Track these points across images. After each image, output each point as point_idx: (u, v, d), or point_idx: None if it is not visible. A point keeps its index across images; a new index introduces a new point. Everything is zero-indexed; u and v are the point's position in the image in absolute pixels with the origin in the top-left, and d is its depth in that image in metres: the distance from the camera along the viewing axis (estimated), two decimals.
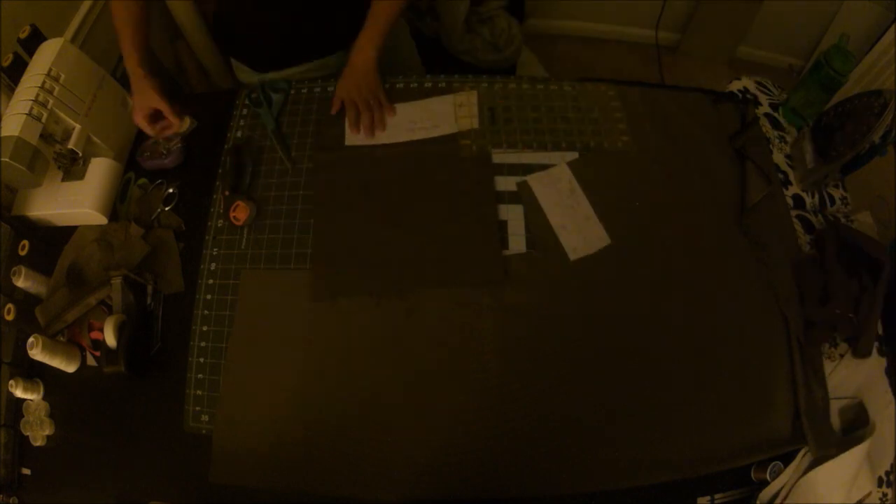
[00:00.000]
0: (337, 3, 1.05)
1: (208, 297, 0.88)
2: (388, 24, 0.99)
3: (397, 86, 1.05)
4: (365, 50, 0.99)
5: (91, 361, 0.87)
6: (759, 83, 1.13)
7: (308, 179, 0.96)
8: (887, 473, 0.80)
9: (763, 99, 1.11)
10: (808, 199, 1.00)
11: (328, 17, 1.05)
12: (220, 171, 0.98)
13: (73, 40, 1.16)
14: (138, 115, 0.97)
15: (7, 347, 0.89)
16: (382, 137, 0.99)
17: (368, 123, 0.98)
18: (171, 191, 0.96)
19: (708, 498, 0.80)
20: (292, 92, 1.06)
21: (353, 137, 0.99)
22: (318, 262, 0.89)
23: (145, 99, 0.96)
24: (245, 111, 1.05)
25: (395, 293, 0.86)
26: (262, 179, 0.97)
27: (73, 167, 0.92)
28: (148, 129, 0.98)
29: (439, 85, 1.04)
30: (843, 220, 0.97)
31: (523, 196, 0.93)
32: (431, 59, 1.36)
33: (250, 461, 0.80)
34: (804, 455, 0.80)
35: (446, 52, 1.76)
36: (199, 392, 0.83)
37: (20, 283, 0.87)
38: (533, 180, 0.94)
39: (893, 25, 1.48)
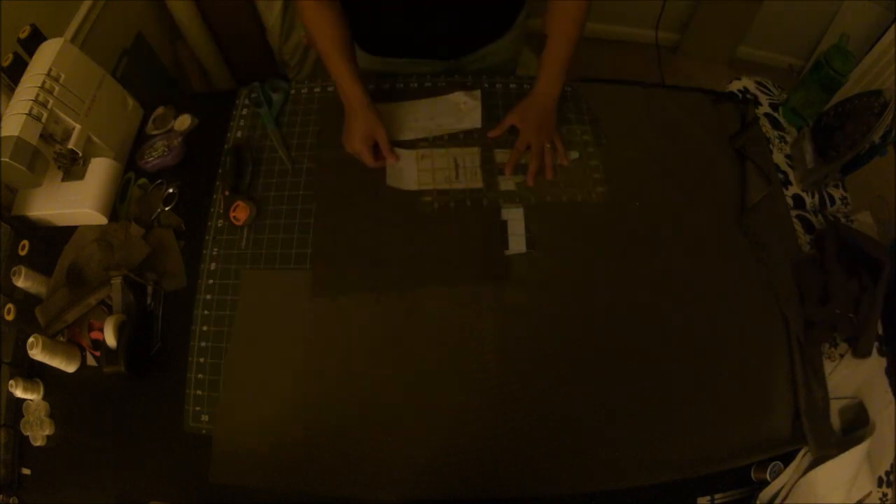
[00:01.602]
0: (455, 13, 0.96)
1: (208, 297, 0.88)
2: (571, 55, 0.93)
3: (397, 86, 1.05)
4: (553, 89, 0.93)
5: (91, 361, 0.87)
6: (759, 83, 1.13)
7: (308, 179, 0.96)
8: (887, 473, 0.80)
9: (763, 99, 1.11)
10: (808, 199, 1.00)
11: (449, 22, 0.97)
12: (220, 171, 0.98)
13: (73, 40, 1.16)
14: (363, 146, 0.91)
15: (7, 347, 0.89)
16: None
17: (535, 169, 0.93)
18: (171, 191, 0.96)
19: (708, 498, 0.80)
20: (292, 92, 1.06)
21: (416, 135, 0.98)
22: (319, 259, 0.89)
23: (370, 128, 0.91)
24: (245, 111, 1.05)
25: (395, 292, 0.86)
26: (262, 179, 0.97)
27: (73, 167, 0.92)
28: (370, 160, 0.93)
29: (439, 84, 1.04)
30: (843, 220, 0.97)
31: (523, 196, 0.93)
32: None
33: (250, 461, 0.80)
34: (804, 455, 0.80)
35: None
36: (199, 392, 0.83)
37: (20, 283, 0.87)
38: None
39: (893, 25, 1.48)
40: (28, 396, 0.85)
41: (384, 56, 1.07)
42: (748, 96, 1.10)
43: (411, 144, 0.98)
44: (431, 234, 0.90)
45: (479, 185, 0.94)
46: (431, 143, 0.98)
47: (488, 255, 0.88)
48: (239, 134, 1.02)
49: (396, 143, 0.97)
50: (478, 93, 1.02)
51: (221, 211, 0.94)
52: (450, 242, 0.89)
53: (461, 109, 1.00)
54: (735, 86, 1.13)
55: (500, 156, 0.96)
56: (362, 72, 0.93)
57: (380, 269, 0.88)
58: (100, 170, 0.95)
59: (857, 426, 0.83)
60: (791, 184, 1.01)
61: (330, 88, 1.06)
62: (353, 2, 0.92)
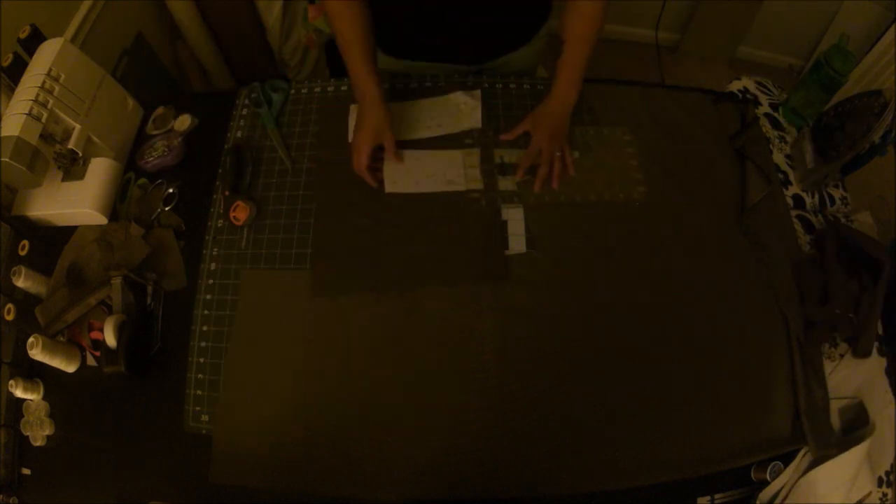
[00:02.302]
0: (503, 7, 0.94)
1: (208, 297, 0.88)
2: (587, 62, 0.91)
3: (396, 86, 1.05)
4: (569, 96, 0.91)
5: (91, 361, 0.87)
6: (759, 83, 1.13)
7: (308, 179, 0.96)
8: (887, 473, 0.80)
9: (763, 99, 1.11)
10: (808, 199, 1.00)
11: (492, 19, 0.96)
12: (220, 171, 0.98)
13: (73, 40, 1.16)
14: (366, 144, 0.89)
15: (7, 347, 0.89)
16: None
17: (543, 176, 0.92)
18: (171, 191, 0.96)
19: (708, 498, 0.80)
20: (292, 92, 1.06)
21: (417, 135, 0.98)
22: (319, 259, 0.89)
23: (380, 127, 0.89)
24: (245, 111, 1.05)
25: (395, 292, 0.86)
26: (262, 179, 0.97)
27: (73, 167, 0.92)
28: (364, 163, 0.90)
29: (439, 84, 1.04)
30: (843, 220, 0.97)
31: (524, 196, 0.93)
32: None
33: (250, 461, 0.80)
34: (804, 455, 0.80)
35: None
36: (199, 392, 0.83)
37: (20, 283, 0.87)
38: None
39: (893, 25, 1.48)
40: (28, 396, 0.85)
41: (406, 59, 1.06)
42: (748, 96, 1.10)
43: (413, 144, 0.98)
44: (431, 234, 0.90)
45: (479, 185, 0.94)
46: (431, 142, 0.98)
47: (488, 255, 0.88)
48: (239, 134, 1.02)
49: (397, 143, 0.96)
50: (478, 93, 1.02)
51: (221, 211, 0.94)
52: (450, 242, 0.89)
53: (461, 109, 1.00)
54: (735, 86, 1.13)
55: (500, 155, 0.96)
56: (381, 72, 0.92)
57: (380, 269, 0.88)
58: (100, 170, 0.95)
59: (857, 426, 0.83)
60: (791, 184, 1.01)
61: (330, 89, 1.06)
62: (378, 3, 0.91)
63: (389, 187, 0.93)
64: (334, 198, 0.94)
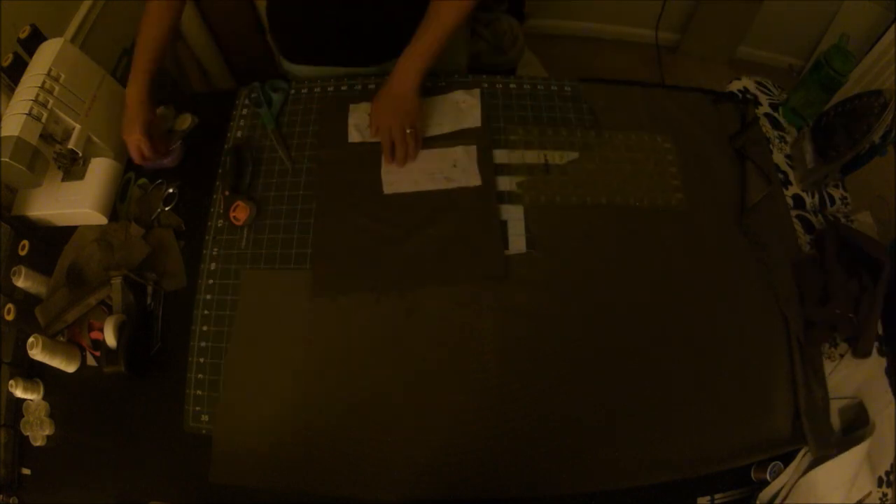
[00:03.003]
0: (395, 8, 0.95)
1: (208, 297, 0.88)
2: (438, 43, 0.88)
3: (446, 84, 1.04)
4: (408, 72, 0.89)
5: (91, 361, 0.87)
6: (759, 83, 1.13)
7: (308, 179, 0.96)
8: (887, 473, 0.80)
9: (763, 99, 1.11)
10: (808, 199, 1.00)
11: (384, 20, 0.97)
12: (220, 171, 0.98)
13: (73, 40, 1.16)
14: (132, 146, 0.93)
15: (7, 347, 0.89)
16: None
17: (402, 156, 0.93)
18: (171, 191, 0.96)
19: (708, 498, 0.80)
20: (292, 92, 1.06)
21: (356, 135, 0.99)
22: (319, 259, 0.89)
23: (135, 131, 0.91)
24: (245, 111, 1.05)
25: (395, 292, 0.86)
26: (262, 179, 0.97)
27: (73, 167, 0.92)
28: (147, 150, 0.93)
29: (439, 84, 1.04)
30: (843, 220, 0.97)
31: (524, 196, 0.93)
32: None
33: (250, 461, 0.80)
34: (804, 455, 0.80)
35: None
36: (199, 392, 0.83)
37: (20, 283, 0.87)
38: None
39: (893, 25, 1.48)
40: (28, 396, 0.85)
41: (306, 64, 1.09)
42: (748, 96, 1.10)
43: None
44: (431, 233, 0.90)
45: (476, 183, 0.93)
46: (430, 142, 0.98)
47: (488, 255, 0.88)
48: (239, 134, 1.02)
49: None
50: (477, 91, 1.02)
51: (221, 211, 0.94)
52: (450, 242, 0.89)
53: (461, 108, 1.00)
54: (735, 86, 1.13)
55: (500, 156, 0.96)
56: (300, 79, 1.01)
57: (380, 269, 0.88)
58: (100, 170, 0.95)
59: (857, 426, 0.83)
60: (791, 184, 1.01)
61: (330, 88, 1.06)
62: (276, 13, 0.96)
63: (388, 188, 0.93)
64: (334, 198, 0.94)
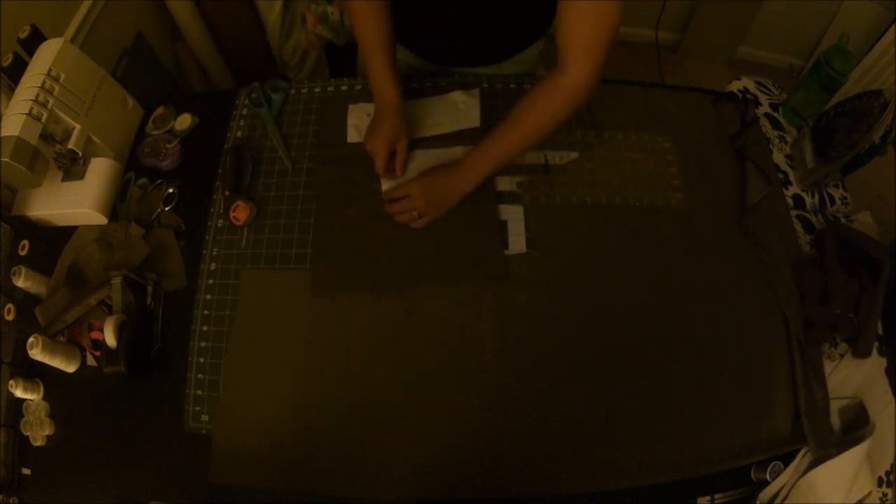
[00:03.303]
0: (485, 24, 0.90)
1: (208, 297, 0.88)
2: (507, 158, 0.83)
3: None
4: (468, 178, 0.84)
5: (91, 361, 0.87)
6: (759, 83, 1.13)
7: (308, 179, 0.96)
8: (887, 473, 0.80)
9: (763, 99, 1.11)
10: (808, 199, 1.00)
11: (478, 33, 0.93)
12: (220, 171, 0.98)
13: (73, 40, 1.16)
14: (385, 149, 0.87)
15: (7, 347, 0.89)
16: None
17: (396, 212, 0.88)
18: (171, 191, 0.96)
19: (708, 498, 0.80)
20: (292, 92, 1.06)
21: (355, 135, 0.99)
22: (319, 259, 0.89)
23: (396, 134, 0.87)
24: (245, 111, 1.05)
25: (395, 292, 0.86)
26: (262, 179, 0.97)
27: (73, 167, 0.92)
28: (382, 165, 0.88)
29: (440, 84, 1.04)
30: (843, 220, 0.97)
31: (523, 196, 0.93)
32: None
33: (250, 461, 0.80)
34: (804, 455, 0.80)
35: None
36: (199, 392, 0.83)
37: (20, 283, 0.87)
38: None
39: (893, 25, 1.48)
40: (28, 396, 0.85)
41: (422, 58, 1.05)
42: (748, 96, 1.10)
43: (412, 144, 0.97)
44: (431, 233, 0.90)
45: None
46: (431, 142, 0.98)
47: (488, 255, 0.88)
48: (239, 134, 1.02)
49: None
50: (476, 91, 1.02)
51: (221, 211, 0.94)
52: (449, 242, 0.89)
53: (459, 109, 1.00)
54: (735, 86, 1.13)
55: None
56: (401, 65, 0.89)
57: (380, 269, 0.88)
58: (100, 170, 0.95)
59: (857, 426, 0.83)
60: (791, 184, 1.01)
61: (330, 88, 1.06)
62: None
63: (387, 187, 0.93)
64: (334, 198, 0.94)
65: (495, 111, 1.01)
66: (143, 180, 0.99)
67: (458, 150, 0.96)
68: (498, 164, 0.84)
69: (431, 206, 0.87)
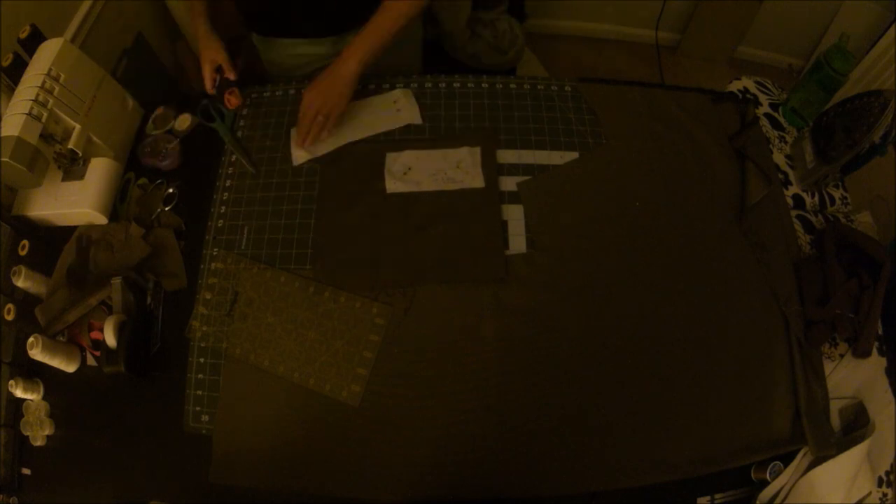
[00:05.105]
0: None
1: (208, 296, 0.88)
2: (383, 39, 0.92)
3: (397, 86, 1.05)
4: (349, 59, 0.91)
5: (91, 361, 0.87)
6: (759, 83, 1.13)
7: (308, 180, 0.96)
8: (887, 473, 0.80)
9: (763, 99, 1.11)
10: (808, 199, 1.00)
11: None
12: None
13: (73, 40, 1.16)
14: (208, 69, 0.99)
15: (7, 347, 0.89)
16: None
17: (304, 134, 0.94)
18: (171, 191, 0.96)
19: (708, 498, 0.80)
20: (266, 94, 1.07)
21: (355, 134, 0.99)
22: (319, 258, 0.89)
23: (211, 52, 0.98)
24: (245, 111, 1.05)
25: (395, 291, 0.86)
26: (262, 180, 0.97)
27: (73, 167, 0.92)
28: (209, 82, 0.99)
29: (440, 85, 1.04)
30: (843, 220, 0.97)
31: (523, 196, 0.93)
32: (431, 62, 1.36)
33: (250, 461, 0.80)
34: (804, 455, 0.80)
35: (447, 55, 1.75)
36: (199, 392, 0.83)
37: (20, 283, 0.87)
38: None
39: (893, 25, 1.48)
40: (28, 396, 0.85)
41: (272, 36, 1.11)
42: (748, 96, 1.10)
43: (412, 144, 0.98)
44: (431, 233, 0.90)
45: (479, 184, 0.93)
46: (432, 142, 0.98)
47: (489, 256, 0.88)
48: (239, 134, 1.02)
49: (349, 143, 0.98)
50: (409, 91, 1.03)
51: (215, 92, 0.98)
52: (450, 242, 0.89)
53: (398, 107, 1.01)
54: (735, 86, 1.13)
55: (500, 155, 0.96)
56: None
57: (380, 269, 0.88)
58: (100, 170, 0.95)
59: (857, 426, 0.83)
60: (791, 184, 1.01)
61: (291, 92, 1.06)
62: None
63: (391, 187, 0.93)
64: (334, 198, 0.94)
65: (495, 111, 1.01)
66: (143, 180, 0.99)
67: (462, 151, 0.96)
68: (371, 45, 0.92)
69: (327, 98, 0.92)
